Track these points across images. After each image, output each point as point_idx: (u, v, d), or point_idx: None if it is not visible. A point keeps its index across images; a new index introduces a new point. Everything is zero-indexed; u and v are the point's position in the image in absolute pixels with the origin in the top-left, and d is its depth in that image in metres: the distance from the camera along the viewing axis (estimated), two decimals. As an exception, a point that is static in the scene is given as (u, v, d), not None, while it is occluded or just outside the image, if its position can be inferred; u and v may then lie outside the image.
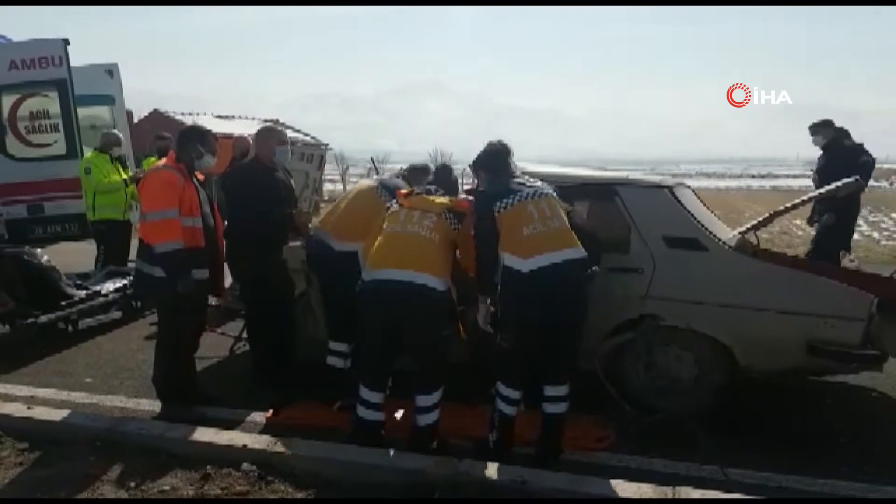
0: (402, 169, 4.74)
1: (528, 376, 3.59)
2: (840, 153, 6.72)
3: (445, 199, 3.75)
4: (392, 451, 3.48)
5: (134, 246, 7.65)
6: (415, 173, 4.51)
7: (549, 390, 3.55)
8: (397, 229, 3.63)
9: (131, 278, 6.50)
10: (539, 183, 3.65)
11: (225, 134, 14.74)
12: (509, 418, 3.59)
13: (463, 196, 3.94)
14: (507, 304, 3.53)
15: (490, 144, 3.82)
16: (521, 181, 3.64)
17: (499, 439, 3.59)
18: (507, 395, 3.56)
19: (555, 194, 3.64)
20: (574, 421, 3.71)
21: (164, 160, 4.29)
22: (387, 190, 4.19)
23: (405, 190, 3.91)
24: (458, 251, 3.80)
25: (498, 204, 3.49)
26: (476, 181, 4.10)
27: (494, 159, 3.75)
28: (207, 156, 4.26)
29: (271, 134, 4.64)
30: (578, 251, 3.46)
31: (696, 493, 3.03)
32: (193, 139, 4.23)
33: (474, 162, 3.88)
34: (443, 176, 4.31)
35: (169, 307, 4.13)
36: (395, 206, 3.76)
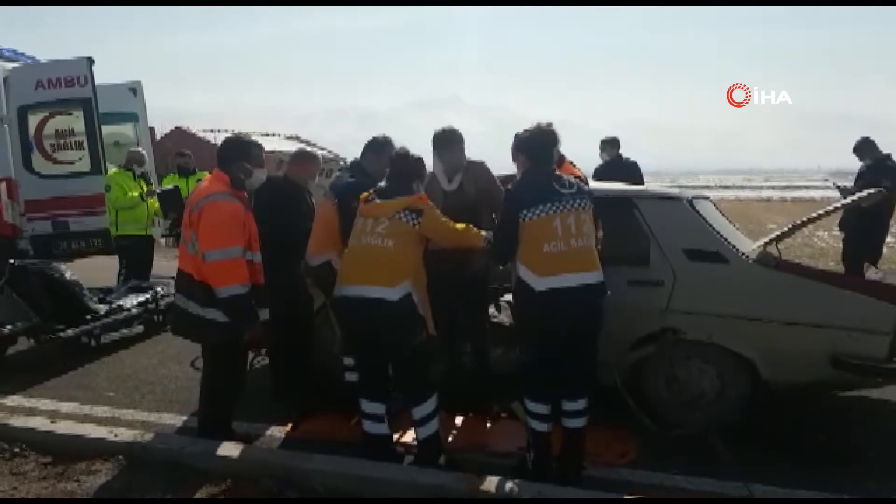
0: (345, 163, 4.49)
1: (551, 390, 3.51)
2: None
3: (398, 201, 3.55)
4: (411, 467, 3.48)
5: (157, 261, 7.83)
6: (373, 151, 4.23)
7: (568, 405, 3.49)
8: (354, 242, 3.59)
9: (154, 294, 6.58)
10: (575, 189, 3.48)
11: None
12: (542, 435, 3.49)
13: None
14: (520, 318, 3.52)
15: (538, 127, 3.60)
16: (559, 183, 3.47)
17: (537, 458, 3.51)
18: (535, 411, 3.48)
19: (587, 206, 3.48)
20: (595, 435, 3.67)
21: (213, 184, 3.69)
22: (332, 191, 4.12)
23: (364, 194, 3.71)
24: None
25: (524, 212, 3.38)
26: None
27: (538, 146, 3.57)
28: (257, 171, 3.76)
29: (311, 163, 4.62)
30: (596, 275, 3.41)
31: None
32: (236, 156, 3.71)
33: (516, 142, 3.66)
34: (400, 166, 3.76)
35: (224, 351, 3.76)
36: (360, 216, 3.65)
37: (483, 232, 3.80)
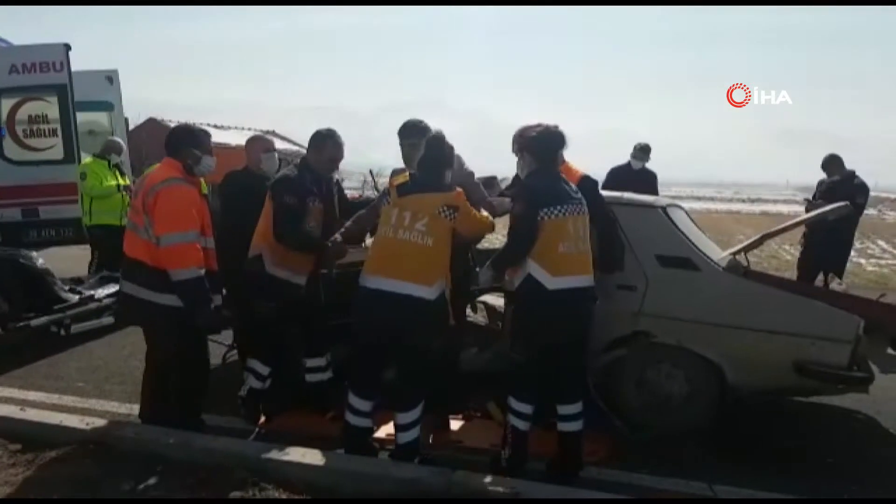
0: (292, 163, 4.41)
1: (540, 392, 3.56)
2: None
3: (438, 197, 3.49)
4: (387, 461, 3.52)
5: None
6: (314, 146, 4.13)
7: (564, 409, 3.53)
8: (388, 234, 3.50)
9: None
10: (579, 196, 3.57)
11: (221, 144, 14.78)
12: (522, 434, 3.53)
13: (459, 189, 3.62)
14: (525, 317, 3.51)
15: (547, 129, 3.57)
16: (567, 186, 3.54)
17: (512, 456, 3.54)
18: (520, 410, 3.51)
19: (586, 211, 3.57)
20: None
21: (167, 170, 3.71)
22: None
23: (397, 180, 3.64)
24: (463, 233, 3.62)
25: (544, 210, 3.38)
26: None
27: (547, 148, 3.55)
28: (206, 157, 3.77)
29: (256, 142, 4.70)
30: (591, 279, 3.52)
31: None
32: (185, 142, 3.75)
33: (523, 142, 3.60)
34: (435, 152, 3.62)
35: (173, 336, 3.70)
36: (387, 203, 3.58)
37: (485, 213, 3.82)
